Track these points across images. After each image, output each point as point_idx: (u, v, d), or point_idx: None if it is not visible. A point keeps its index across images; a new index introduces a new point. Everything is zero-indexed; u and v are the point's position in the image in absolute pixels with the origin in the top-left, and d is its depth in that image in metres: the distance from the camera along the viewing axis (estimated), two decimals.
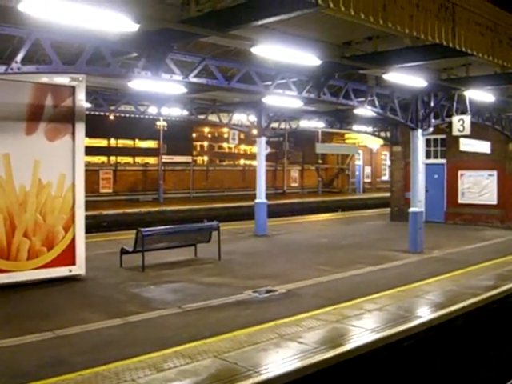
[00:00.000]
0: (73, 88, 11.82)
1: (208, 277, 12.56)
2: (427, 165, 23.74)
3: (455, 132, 17.19)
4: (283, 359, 7.24)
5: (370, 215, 29.52)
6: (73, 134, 11.88)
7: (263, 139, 21.00)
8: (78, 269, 11.98)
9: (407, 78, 13.83)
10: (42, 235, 11.50)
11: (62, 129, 11.77)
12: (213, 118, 22.32)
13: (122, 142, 42.85)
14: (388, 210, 26.60)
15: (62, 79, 11.65)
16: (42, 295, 10.72)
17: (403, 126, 20.65)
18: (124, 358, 7.16)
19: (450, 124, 17.62)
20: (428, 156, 24.21)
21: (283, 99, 16.15)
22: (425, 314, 9.75)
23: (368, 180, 51.44)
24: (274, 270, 13.33)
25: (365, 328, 8.66)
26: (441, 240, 18.58)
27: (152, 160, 40.63)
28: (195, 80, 12.18)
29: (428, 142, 24.02)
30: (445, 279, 12.48)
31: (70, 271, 11.88)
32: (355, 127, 27.80)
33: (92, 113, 18.94)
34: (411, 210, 16.53)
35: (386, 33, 10.67)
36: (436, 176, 24.09)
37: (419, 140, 16.76)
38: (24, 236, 11.28)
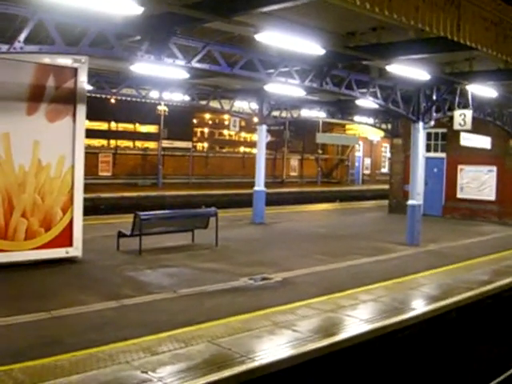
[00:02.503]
0: (75, 69, 11.77)
1: (204, 262, 12.59)
2: (427, 158, 23.75)
3: (456, 126, 17.17)
4: (277, 346, 7.28)
5: (369, 207, 29.54)
6: (74, 115, 11.84)
7: (264, 127, 20.96)
8: (75, 250, 12.00)
9: (410, 70, 13.82)
10: (39, 216, 11.50)
11: (63, 110, 11.74)
12: (214, 104, 22.25)
13: (122, 126, 42.68)
14: (386, 202, 26.64)
15: (65, 60, 11.60)
16: (38, 276, 10.74)
17: (404, 119, 20.65)
18: (118, 341, 7.20)
19: (452, 118, 17.60)
20: (428, 149, 24.20)
21: (285, 87, 16.11)
22: (419, 306, 9.80)
23: (367, 172, 51.42)
24: (271, 258, 13.36)
25: (359, 318, 8.70)
26: (438, 233, 18.62)
27: (152, 144, 40.55)
28: (198, 65, 12.14)
29: (429, 135, 24.02)
30: (440, 273, 12.52)
31: (67, 253, 11.89)
32: (356, 118, 27.81)
33: (93, 95, 18.87)
34: (409, 202, 16.55)
35: (390, 24, 10.63)
36: (435, 170, 24.11)
37: (420, 133, 16.75)
38: (22, 216, 11.28)
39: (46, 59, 11.33)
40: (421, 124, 16.63)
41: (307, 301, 9.55)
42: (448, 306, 9.97)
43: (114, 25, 10.59)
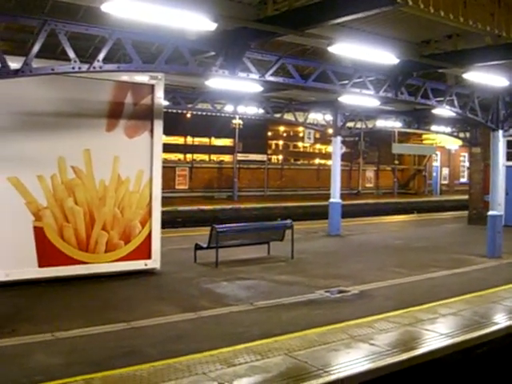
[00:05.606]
0: (152, 86, 12.07)
1: (280, 275, 12.60)
2: (508, 167, 22.95)
3: None
4: (354, 360, 7.19)
5: (447, 218, 28.86)
6: (151, 131, 12.14)
7: (339, 138, 20.87)
8: (154, 263, 12.25)
9: (488, 77, 13.46)
10: (119, 229, 11.81)
11: (141, 126, 12.05)
12: (288, 116, 22.33)
13: (198, 140, 43.45)
14: (466, 212, 25.94)
15: (142, 77, 11.93)
16: (117, 287, 11.02)
17: (483, 127, 20.12)
18: (195, 352, 7.28)
19: None
20: (509, 158, 23.41)
21: (360, 98, 16.01)
22: (501, 320, 9.46)
23: (445, 182, 50.27)
24: (347, 271, 13.24)
25: (438, 332, 8.49)
26: None
27: (227, 158, 41.05)
28: (272, 79, 12.19)
29: (509, 143, 23.22)
30: None
31: (146, 265, 12.15)
32: (433, 127, 27.29)
33: (170, 110, 19.28)
34: (490, 213, 16.05)
35: (466, 31, 10.40)
36: None
37: (500, 141, 16.25)
38: (102, 229, 11.62)
39: (124, 77, 11.68)
40: (500, 132, 16.15)
41: (385, 314, 9.40)
42: None
43: (188, 41, 10.81)
